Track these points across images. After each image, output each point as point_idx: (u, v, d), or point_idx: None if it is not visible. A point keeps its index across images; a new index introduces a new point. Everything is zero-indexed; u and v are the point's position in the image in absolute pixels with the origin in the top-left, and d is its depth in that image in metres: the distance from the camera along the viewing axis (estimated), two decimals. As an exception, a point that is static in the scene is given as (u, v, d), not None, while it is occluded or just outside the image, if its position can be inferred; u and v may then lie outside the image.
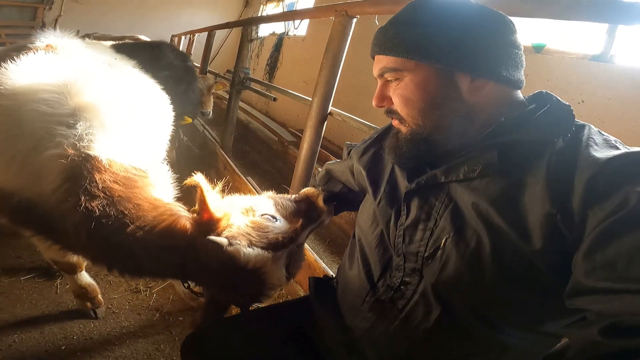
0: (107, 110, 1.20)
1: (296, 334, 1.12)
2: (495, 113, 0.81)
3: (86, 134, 1.08)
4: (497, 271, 0.73)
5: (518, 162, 0.74)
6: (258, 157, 4.60)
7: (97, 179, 1.03)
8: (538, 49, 3.15)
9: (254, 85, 3.69)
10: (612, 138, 0.72)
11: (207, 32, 4.38)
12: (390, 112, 0.89)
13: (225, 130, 3.67)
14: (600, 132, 0.74)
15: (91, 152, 1.06)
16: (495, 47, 0.79)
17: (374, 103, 0.90)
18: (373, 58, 0.90)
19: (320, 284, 1.16)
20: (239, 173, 2.87)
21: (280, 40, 7.43)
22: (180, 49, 5.20)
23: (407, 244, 0.88)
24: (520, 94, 0.85)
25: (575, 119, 0.76)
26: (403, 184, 0.93)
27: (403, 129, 0.88)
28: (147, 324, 1.90)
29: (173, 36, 6.39)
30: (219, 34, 5.24)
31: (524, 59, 0.84)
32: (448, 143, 0.85)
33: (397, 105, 0.86)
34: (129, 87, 1.53)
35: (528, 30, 3.24)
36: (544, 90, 0.84)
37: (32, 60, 1.25)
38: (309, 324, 1.12)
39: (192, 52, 5.50)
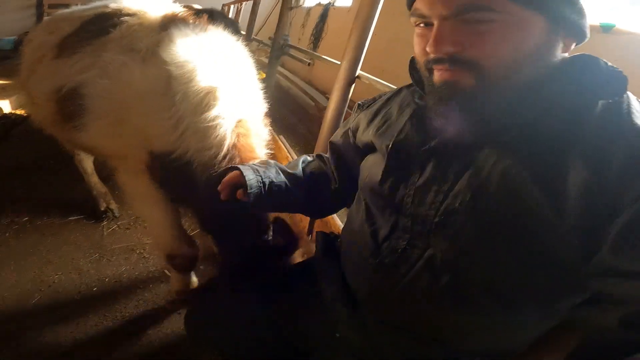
0: (241, 79, 1.32)
1: (307, 293, 1.09)
2: (546, 71, 0.69)
3: (236, 102, 1.22)
4: (517, 245, 0.67)
5: (556, 127, 0.66)
6: (295, 121, 4.70)
7: (241, 140, 1.19)
8: (606, 28, 2.89)
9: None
10: None
11: (252, 1, 4.56)
12: (451, 61, 0.69)
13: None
14: None
15: (241, 117, 1.22)
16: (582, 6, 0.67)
17: (433, 48, 0.69)
18: None
19: (328, 241, 1.11)
20: (272, 132, 2.93)
21: (325, 11, 7.39)
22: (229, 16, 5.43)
23: (416, 205, 0.80)
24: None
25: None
26: (419, 140, 0.83)
27: (468, 80, 0.69)
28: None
29: (224, 5, 6.54)
30: (267, 4, 5.29)
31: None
32: (509, 103, 0.71)
33: (487, 48, 0.66)
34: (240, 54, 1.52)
35: (596, 9, 2.99)
36: (587, 54, 0.71)
37: (185, 33, 1.32)
38: (316, 283, 1.08)
39: (239, 20, 5.65)
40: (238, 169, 1.04)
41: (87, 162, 2.32)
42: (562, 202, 0.62)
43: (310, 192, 1.13)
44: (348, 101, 1.93)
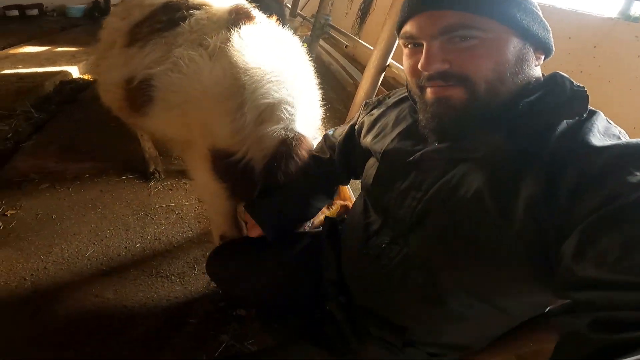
0: (303, 96, 1.34)
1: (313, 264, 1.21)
2: (520, 89, 0.76)
3: (295, 115, 1.27)
4: (474, 248, 0.74)
5: (520, 146, 0.72)
6: (333, 96, 4.67)
7: (297, 151, 1.26)
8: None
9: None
10: (617, 129, 0.70)
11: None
12: (443, 77, 0.76)
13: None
14: (608, 121, 0.71)
15: (297, 131, 1.27)
16: (539, 17, 0.77)
17: (424, 67, 0.76)
18: (420, 12, 0.77)
19: (333, 225, 1.23)
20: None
21: None
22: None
23: (398, 207, 0.91)
24: (538, 71, 0.80)
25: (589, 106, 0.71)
26: (406, 151, 0.93)
27: (459, 95, 0.76)
28: (202, 232, 2.14)
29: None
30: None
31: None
32: (495, 114, 0.77)
33: (471, 65, 0.73)
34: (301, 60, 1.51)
35: None
36: (558, 72, 0.76)
37: (252, 34, 1.35)
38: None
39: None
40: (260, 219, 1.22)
41: (145, 130, 2.49)
42: (510, 214, 0.69)
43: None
44: (377, 89, 1.99)
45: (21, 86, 3.61)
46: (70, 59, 4.44)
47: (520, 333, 0.90)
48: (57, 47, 4.92)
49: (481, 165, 0.76)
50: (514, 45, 0.73)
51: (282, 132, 1.23)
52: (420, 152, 0.87)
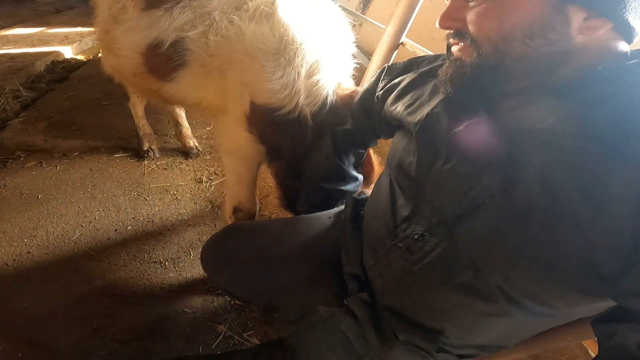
0: (343, 50, 1.42)
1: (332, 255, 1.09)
2: (595, 60, 0.64)
3: (338, 68, 1.36)
4: (546, 247, 0.63)
5: (609, 122, 0.59)
6: None
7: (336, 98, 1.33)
8: None
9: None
10: None
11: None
12: (459, 35, 0.74)
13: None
14: None
15: (338, 81, 1.36)
16: None
17: (438, 23, 0.75)
18: None
19: (357, 207, 1.11)
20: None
21: None
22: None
23: (438, 192, 0.78)
24: (626, 47, 0.66)
25: None
26: (447, 123, 0.80)
27: (470, 54, 0.72)
28: (199, 213, 2.00)
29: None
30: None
31: None
32: (523, 79, 0.70)
33: (475, 25, 0.70)
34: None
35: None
36: None
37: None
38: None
39: None
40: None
41: (140, 107, 2.37)
42: (602, 215, 0.57)
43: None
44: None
45: (11, 66, 3.50)
46: (63, 39, 4.32)
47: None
48: (50, 29, 4.78)
49: (552, 140, 0.64)
50: (532, 7, 0.64)
51: (326, 82, 1.29)
52: (465, 123, 0.76)
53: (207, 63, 1.36)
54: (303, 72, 1.26)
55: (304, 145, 1.34)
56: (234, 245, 1.12)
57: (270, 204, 2.10)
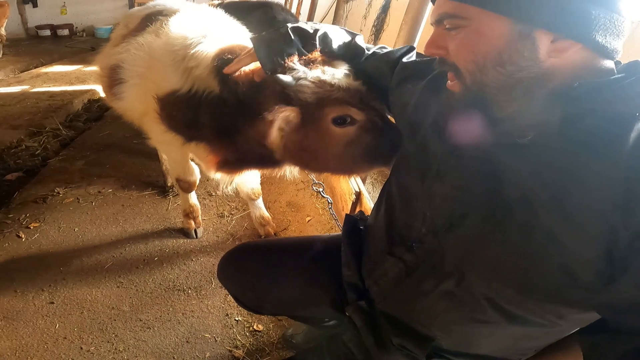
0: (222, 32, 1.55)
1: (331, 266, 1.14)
2: (573, 78, 0.65)
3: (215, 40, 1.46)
4: (525, 256, 0.66)
5: (585, 138, 0.61)
6: None
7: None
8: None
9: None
10: None
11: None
12: (443, 63, 0.76)
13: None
14: None
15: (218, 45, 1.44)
16: (592, 6, 0.61)
17: (424, 50, 0.77)
18: (433, 2, 0.77)
19: (353, 225, 1.16)
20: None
21: (387, 2, 7.04)
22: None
23: (428, 204, 0.81)
24: (610, 63, 0.66)
25: None
26: (440, 138, 0.82)
27: (457, 86, 0.75)
28: (220, 246, 2.12)
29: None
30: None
31: (625, 28, 0.64)
32: (507, 106, 0.70)
33: (454, 55, 0.72)
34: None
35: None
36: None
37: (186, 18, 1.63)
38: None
39: (300, 11, 5.78)
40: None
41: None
42: (574, 228, 0.59)
43: None
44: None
45: (51, 104, 3.78)
46: (98, 78, 4.60)
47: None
48: (86, 66, 5.12)
49: (531, 155, 0.66)
50: (501, 34, 0.65)
51: (205, 50, 1.37)
52: (458, 137, 0.78)
53: (131, 74, 1.61)
54: (184, 57, 1.40)
55: (228, 109, 1.31)
56: (243, 253, 1.24)
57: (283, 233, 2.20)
